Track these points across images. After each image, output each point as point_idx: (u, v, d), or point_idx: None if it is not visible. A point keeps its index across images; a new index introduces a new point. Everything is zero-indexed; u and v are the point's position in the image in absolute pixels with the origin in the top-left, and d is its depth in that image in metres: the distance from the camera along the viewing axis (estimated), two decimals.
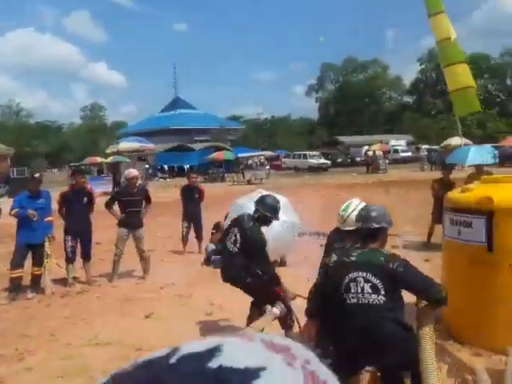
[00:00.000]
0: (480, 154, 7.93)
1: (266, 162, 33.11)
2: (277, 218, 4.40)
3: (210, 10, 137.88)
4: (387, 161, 32.98)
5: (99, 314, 5.75)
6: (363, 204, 3.60)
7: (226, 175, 30.88)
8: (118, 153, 26.67)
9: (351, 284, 2.82)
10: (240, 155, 33.71)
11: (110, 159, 27.58)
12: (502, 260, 4.18)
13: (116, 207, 7.30)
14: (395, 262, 2.84)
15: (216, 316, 5.60)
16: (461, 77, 9.29)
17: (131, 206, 7.07)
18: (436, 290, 2.87)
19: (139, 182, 8.31)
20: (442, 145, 30.65)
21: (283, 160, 40.30)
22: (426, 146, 36.65)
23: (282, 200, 5.22)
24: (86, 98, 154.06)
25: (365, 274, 2.79)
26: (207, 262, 8.51)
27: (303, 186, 24.12)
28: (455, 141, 25.21)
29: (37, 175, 7.17)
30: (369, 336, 2.72)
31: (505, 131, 45.60)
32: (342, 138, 49.26)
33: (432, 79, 57.43)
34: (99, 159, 30.63)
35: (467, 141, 30.35)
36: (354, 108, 57.93)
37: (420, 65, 59.32)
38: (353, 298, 2.81)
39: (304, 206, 14.08)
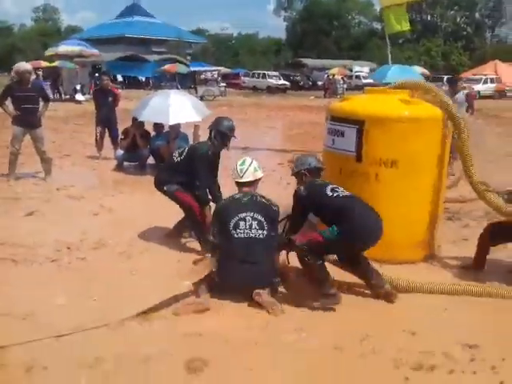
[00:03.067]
0: (399, 73, 7.78)
1: (219, 78, 31.84)
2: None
3: None
4: (345, 85, 32.41)
5: None
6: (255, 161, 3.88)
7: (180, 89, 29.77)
8: (58, 56, 24.90)
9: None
10: (194, 69, 32.16)
11: (56, 63, 25.79)
12: (369, 170, 4.17)
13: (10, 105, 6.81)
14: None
15: (102, 217, 5.50)
16: None
17: (25, 103, 6.59)
18: None
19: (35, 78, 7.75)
20: None
21: (243, 79, 39.01)
22: None
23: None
24: None
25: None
26: (118, 167, 8.38)
27: (256, 106, 23.60)
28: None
29: None
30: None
31: (466, 65, 45.54)
32: (305, 61, 47.85)
33: None
34: (44, 63, 28.57)
35: (424, 70, 30.16)
36: (320, 29, 55.73)
37: None
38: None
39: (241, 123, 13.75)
